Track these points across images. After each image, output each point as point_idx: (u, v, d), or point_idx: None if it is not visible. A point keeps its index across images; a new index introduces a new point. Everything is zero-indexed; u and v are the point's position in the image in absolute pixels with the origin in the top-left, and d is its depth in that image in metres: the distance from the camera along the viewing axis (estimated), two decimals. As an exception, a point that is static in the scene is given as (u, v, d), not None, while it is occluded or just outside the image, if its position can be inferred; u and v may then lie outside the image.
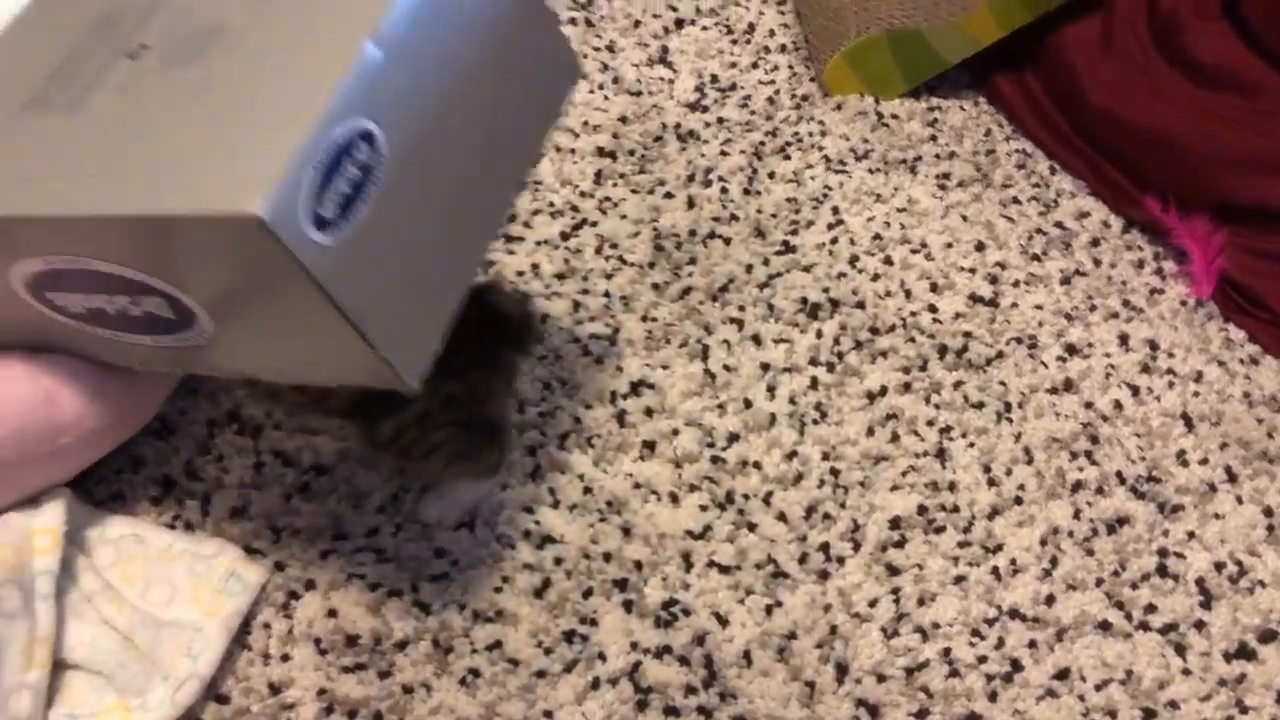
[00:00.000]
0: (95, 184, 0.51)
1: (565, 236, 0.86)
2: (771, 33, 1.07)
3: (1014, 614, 0.68)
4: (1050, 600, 0.69)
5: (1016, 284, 0.86)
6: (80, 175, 0.51)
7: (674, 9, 1.07)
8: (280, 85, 0.49)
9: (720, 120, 0.98)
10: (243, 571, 0.65)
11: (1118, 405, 0.79)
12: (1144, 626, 0.69)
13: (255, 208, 0.44)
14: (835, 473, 0.74)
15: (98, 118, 0.54)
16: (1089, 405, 0.79)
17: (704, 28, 1.06)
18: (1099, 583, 0.70)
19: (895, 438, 0.76)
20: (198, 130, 0.50)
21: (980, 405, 0.78)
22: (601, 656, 0.65)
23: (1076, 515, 0.73)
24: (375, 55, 0.49)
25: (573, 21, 1.05)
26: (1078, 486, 0.74)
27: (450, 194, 0.55)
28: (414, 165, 0.51)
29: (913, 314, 0.83)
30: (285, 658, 0.63)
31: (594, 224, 0.88)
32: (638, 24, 1.05)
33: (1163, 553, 0.72)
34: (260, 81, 0.50)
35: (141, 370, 0.63)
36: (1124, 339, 0.83)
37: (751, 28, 1.07)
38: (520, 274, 0.84)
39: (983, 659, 0.66)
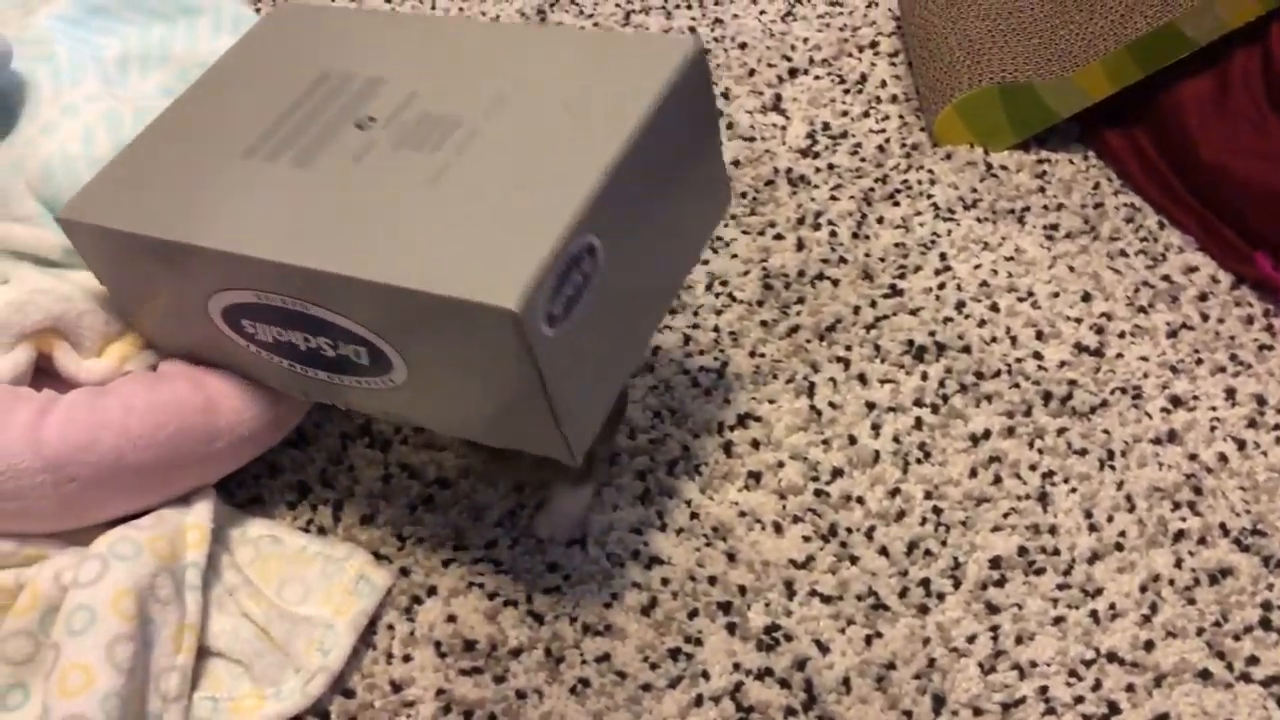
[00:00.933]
0: (341, 244, 0.56)
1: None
2: (883, 83, 1.09)
3: (1112, 657, 0.69)
4: (1149, 646, 0.70)
5: (1122, 335, 0.87)
6: (323, 232, 0.57)
7: (788, 59, 1.11)
8: (529, 192, 0.56)
9: (830, 166, 1.01)
10: (371, 575, 0.69)
11: (1223, 458, 0.79)
12: (1245, 678, 0.69)
13: (512, 304, 0.51)
14: (938, 511, 0.75)
15: (333, 179, 0.60)
16: (1193, 457, 0.79)
17: (816, 77, 1.10)
18: (1199, 632, 0.70)
19: (998, 480, 0.77)
20: (448, 216, 0.56)
21: (1083, 452, 0.79)
22: (705, 675, 0.67)
23: (1178, 564, 0.73)
24: (606, 178, 0.56)
25: (690, 69, 1.10)
26: (1180, 536, 0.75)
27: (633, 293, 0.62)
28: (615, 271, 0.58)
29: (1018, 360, 0.85)
30: (407, 658, 0.67)
31: (705, 262, 0.91)
32: (752, 72, 1.09)
33: (1266, 606, 0.72)
34: (508, 184, 0.57)
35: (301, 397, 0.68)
36: (1230, 393, 0.83)
37: (863, 78, 1.10)
38: (634, 307, 0.88)
39: (1079, 699, 0.67)
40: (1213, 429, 0.81)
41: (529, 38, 0.66)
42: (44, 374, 0.72)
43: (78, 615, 0.60)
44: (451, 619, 0.69)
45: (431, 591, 0.70)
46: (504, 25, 0.69)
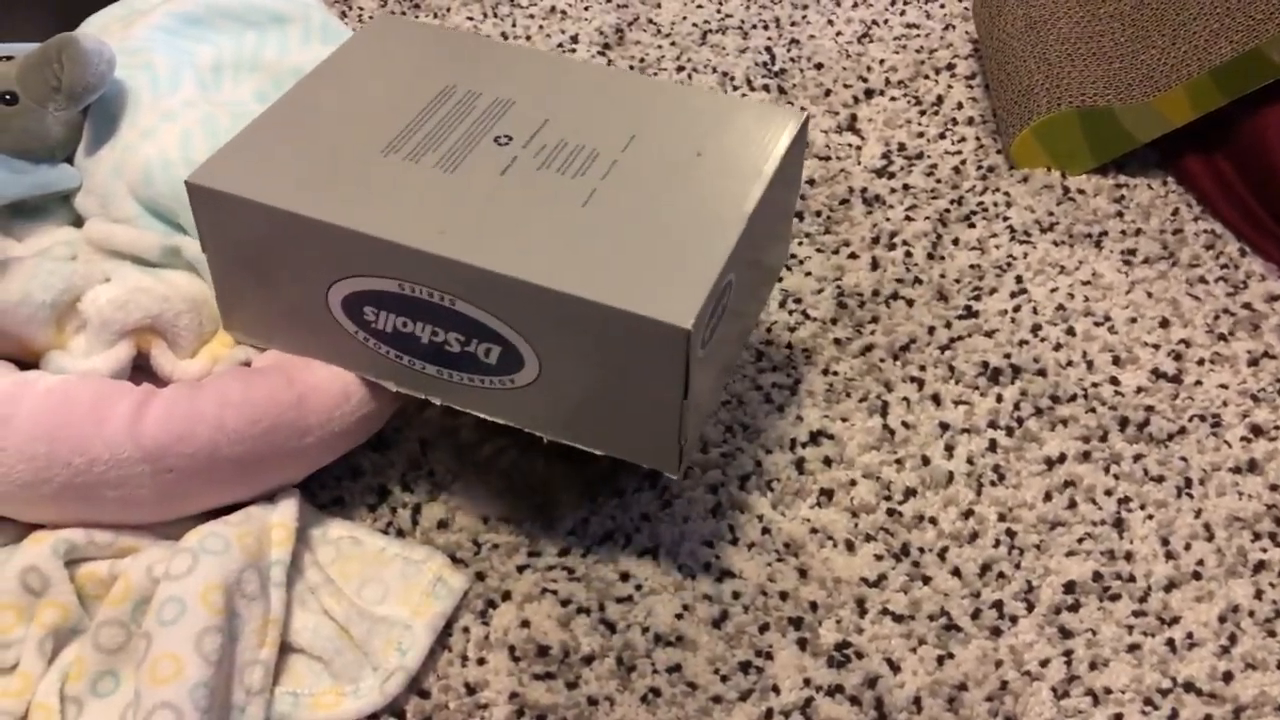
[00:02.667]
0: (510, 248, 0.60)
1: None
2: (959, 105, 1.09)
3: (1189, 687, 0.68)
4: (1228, 677, 0.69)
5: (1201, 362, 0.86)
6: (487, 234, 0.61)
7: (864, 80, 1.12)
8: (682, 224, 0.62)
9: (906, 187, 1.01)
10: (448, 578, 0.70)
11: (1306, 490, 0.78)
12: (1328, 715, 0.67)
13: (688, 323, 0.57)
14: (1011, 534, 0.75)
15: (483, 186, 0.64)
16: (1274, 488, 0.78)
17: (893, 98, 1.10)
18: (1281, 666, 0.69)
19: (1073, 504, 0.77)
20: (606, 236, 0.61)
21: (1160, 479, 0.78)
22: (775, 689, 0.67)
23: (1258, 595, 0.72)
24: (747, 222, 0.63)
25: (765, 89, 1.11)
26: (1260, 567, 0.74)
27: (735, 328, 0.70)
28: (731, 305, 0.66)
29: (1094, 385, 0.84)
30: (481, 661, 0.68)
31: (779, 279, 0.92)
32: (828, 93, 1.10)
33: (1350, 642, 0.70)
34: (657, 214, 0.63)
35: (395, 391, 0.70)
36: (1314, 424, 0.82)
37: (940, 100, 1.10)
38: (708, 322, 0.88)
39: (1156, 730, 0.66)
40: (1295, 460, 0.80)
41: (651, 86, 0.72)
42: (140, 371, 0.74)
43: (169, 606, 0.62)
44: (525, 624, 0.70)
45: (506, 596, 0.71)
46: (620, 71, 0.75)
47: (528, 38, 1.19)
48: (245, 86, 0.87)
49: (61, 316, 0.73)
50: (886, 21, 1.20)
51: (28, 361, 0.73)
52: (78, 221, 0.82)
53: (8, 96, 0.77)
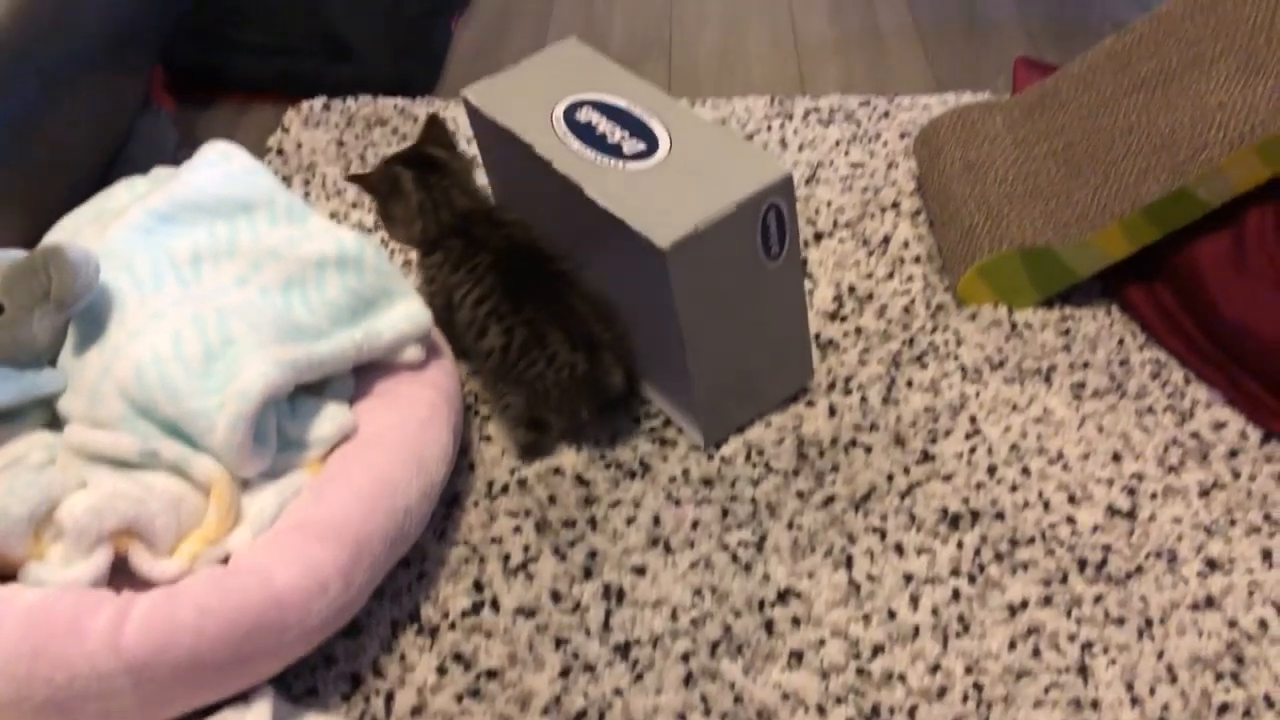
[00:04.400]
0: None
1: (717, 444, 0.93)
2: (906, 243, 1.14)
3: (1162, 841, 0.69)
4: (1199, 828, 0.70)
5: (1154, 496, 0.89)
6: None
7: (812, 224, 1.16)
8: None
9: (858, 330, 1.04)
10: (425, 769, 0.71)
11: (1263, 624, 0.80)
12: None
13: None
14: (979, 687, 0.77)
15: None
16: (1233, 624, 0.80)
17: (841, 240, 1.14)
18: (1249, 811, 0.70)
19: (1037, 652, 0.78)
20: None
21: (1121, 621, 0.80)
22: None
23: (1223, 739, 0.74)
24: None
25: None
26: (1224, 709, 0.75)
27: (754, 350, 0.93)
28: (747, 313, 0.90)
29: (1051, 526, 0.86)
30: None
31: (740, 430, 0.95)
32: (781, 239, 1.14)
33: (1315, 782, 0.72)
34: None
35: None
36: (1267, 555, 0.84)
37: (887, 239, 1.14)
38: (672, 480, 0.91)
39: None
40: (1251, 593, 0.82)
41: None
42: (117, 571, 0.76)
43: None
44: (504, 812, 0.70)
45: (484, 784, 0.72)
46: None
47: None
48: (226, 272, 0.90)
49: (39, 526, 0.74)
50: (832, 163, 1.25)
51: (4, 572, 0.74)
52: (53, 421, 0.84)
53: (-7, 307, 0.80)
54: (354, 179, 1.00)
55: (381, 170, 0.98)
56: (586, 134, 0.92)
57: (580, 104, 0.95)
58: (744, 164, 0.86)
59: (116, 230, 0.88)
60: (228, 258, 0.90)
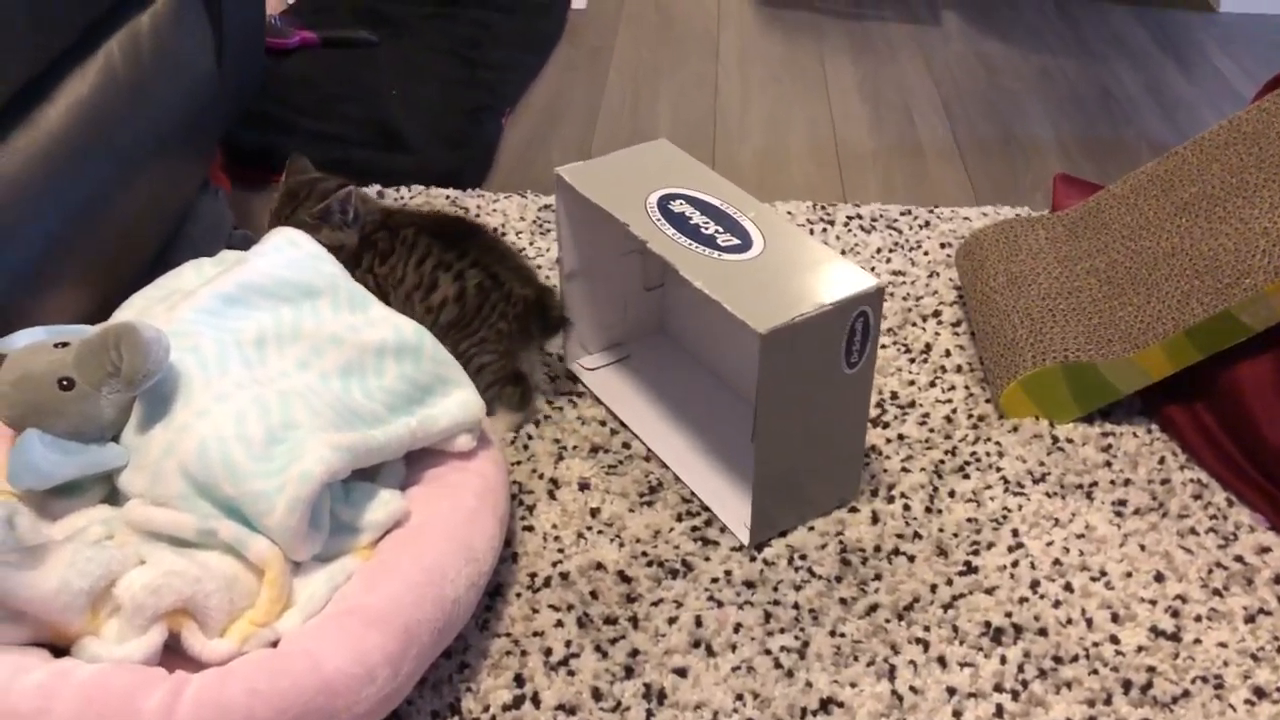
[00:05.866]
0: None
1: (759, 547, 0.94)
2: (947, 353, 1.15)
3: None
4: None
5: (1199, 619, 0.88)
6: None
7: (858, 330, 1.17)
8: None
9: (900, 437, 1.05)
10: None
11: (1310, 755, 0.79)
12: None
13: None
14: (1023, 808, 0.76)
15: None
16: (1280, 753, 0.79)
17: (883, 346, 1.16)
18: None
19: (1082, 775, 0.78)
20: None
21: (1167, 745, 0.80)
22: None
23: None
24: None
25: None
26: (1273, 842, 0.74)
27: (818, 452, 0.95)
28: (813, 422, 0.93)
29: (1095, 644, 0.86)
30: None
31: (784, 534, 0.95)
32: (824, 343, 1.16)
33: None
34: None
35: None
36: (1313, 684, 0.84)
37: (928, 347, 1.16)
38: (714, 580, 0.91)
39: None
40: (1297, 723, 0.81)
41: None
42: (168, 649, 0.76)
43: None
44: None
45: None
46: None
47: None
48: (289, 356, 0.92)
49: (96, 601, 0.75)
50: (874, 269, 1.27)
51: (60, 646, 0.75)
52: (112, 495, 0.86)
53: (65, 381, 0.82)
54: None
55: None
56: (681, 223, 0.95)
57: (674, 196, 0.99)
58: (837, 270, 0.89)
59: (184, 311, 0.90)
60: (291, 341, 0.92)
